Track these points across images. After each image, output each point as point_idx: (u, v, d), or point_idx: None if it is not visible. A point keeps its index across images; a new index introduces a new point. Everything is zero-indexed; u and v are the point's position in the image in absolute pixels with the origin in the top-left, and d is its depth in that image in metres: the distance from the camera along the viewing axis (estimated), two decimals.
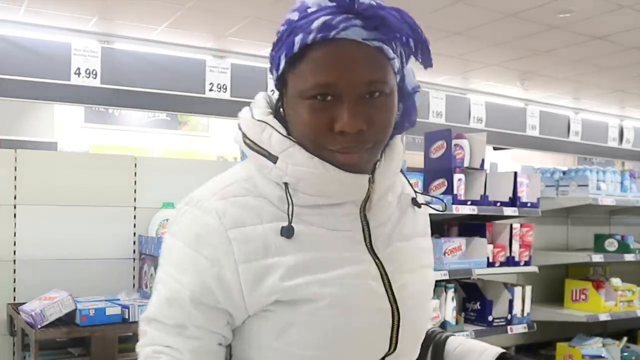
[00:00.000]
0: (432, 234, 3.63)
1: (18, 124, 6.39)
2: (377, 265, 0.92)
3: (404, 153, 1.01)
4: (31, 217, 3.03)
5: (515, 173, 3.27)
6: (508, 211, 3.17)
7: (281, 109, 0.94)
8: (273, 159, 0.88)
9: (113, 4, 4.56)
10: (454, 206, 2.97)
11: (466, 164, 3.17)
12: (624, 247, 3.78)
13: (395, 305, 0.92)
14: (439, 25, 4.97)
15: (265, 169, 0.89)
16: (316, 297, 0.86)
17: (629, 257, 3.75)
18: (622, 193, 3.97)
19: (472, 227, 3.23)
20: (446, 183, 3.09)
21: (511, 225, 3.26)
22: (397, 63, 0.88)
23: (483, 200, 3.11)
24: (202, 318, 0.88)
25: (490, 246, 3.19)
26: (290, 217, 0.87)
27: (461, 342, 1.12)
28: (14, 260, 2.99)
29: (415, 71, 0.97)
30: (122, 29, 5.15)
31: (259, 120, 0.91)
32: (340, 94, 0.84)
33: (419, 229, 1.05)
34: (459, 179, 3.10)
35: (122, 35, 5.22)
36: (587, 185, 3.65)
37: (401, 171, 1.03)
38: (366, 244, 0.93)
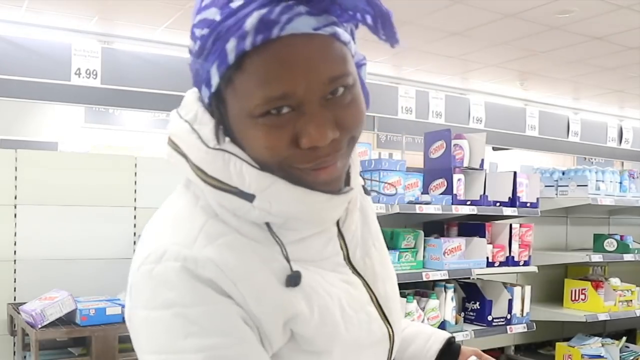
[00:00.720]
0: (432, 234, 3.62)
1: (18, 124, 6.39)
2: (363, 285, 0.83)
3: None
4: (31, 217, 3.03)
5: (515, 173, 3.27)
6: (507, 211, 3.18)
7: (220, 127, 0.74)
8: (248, 197, 0.71)
9: (113, 4, 4.56)
10: (453, 206, 2.97)
11: (466, 164, 3.18)
12: (623, 247, 3.78)
13: (388, 322, 0.85)
14: (439, 25, 4.98)
15: (238, 211, 0.72)
16: (329, 346, 0.76)
17: (628, 257, 3.75)
18: (621, 193, 3.98)
19: (472, 227, 3.23)
20: (446, 183, 3.09)
21: (510, 225, 3.26)
22: (353, 45, 0.73)
23: (482, 200, 3.12)
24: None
25: (490, 246, 3.19)
26: (288, 262, 0.73)
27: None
28: (14, 260, 3.00)
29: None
30: (122, 29, 5.15)
31: (215, 149, 0.72)
32: (299, 103, 0.68)
33: (373, 217, 0.93)
34: (459, 179, 3.10)
35: (122, 35, 5.22)
36: (586, 186, 3.65)
37: None
38: (346, 262, 0.82)
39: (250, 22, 0.64)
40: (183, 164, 0.74)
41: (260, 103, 0.67)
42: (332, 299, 0.77)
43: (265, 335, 0.72)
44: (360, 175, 0.89)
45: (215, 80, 0.69)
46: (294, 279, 0.73)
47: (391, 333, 0.85)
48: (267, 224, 0.73)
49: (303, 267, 0.75)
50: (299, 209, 0.73)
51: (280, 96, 0.67)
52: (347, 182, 0.81)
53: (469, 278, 3.12)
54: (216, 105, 0.72)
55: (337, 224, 0.80)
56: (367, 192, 0.92)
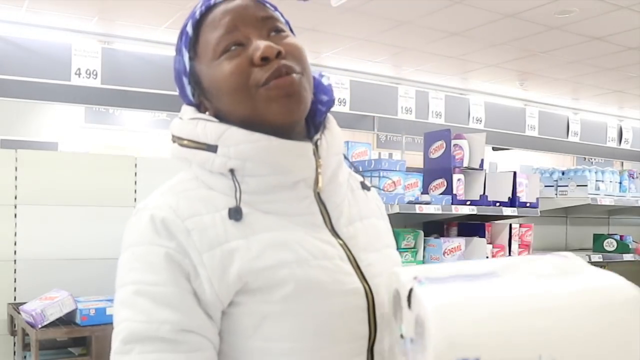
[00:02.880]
0: (432, 234, 3.60)
1: (18, 124, 6.40)
2: (341, 246, 0.88)
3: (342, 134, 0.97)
4: (31, 217, 3.03)
5: (515, 173, 3.28)
6: (507, 211, 3.18)
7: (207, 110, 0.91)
8: (213, 149, 0.84)
9: (113, 4, 4.57)
10: (453, 206, 2.98)
11: (465, 164, 3.18)
12: (622, 247, 3.78)
13: (367, 284, 0.87)
14: (438, 26, 4.98)
15: (207, 164, 0.85)
16: (287, 280, 0.81)
17: (627, 257, 3.76)
18: (620, 193, 3.99)
19: (472, 227, 3.24)
20: (445, 183, 3.10)
21: (510, 225, 3.27)
22: (282, 18, 0.91)
23: (482, 200, 3.12)
24: (193, 320, 0.79)
25: (490, 246, 3.20)
26: (237, 200, 0.83)
27: None
28: (15, 260, 3.00)
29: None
30: (122, 29, 5.16)
31: (190, 119, 0.88)
32: (247, 36, 0.85)
33: (375, 211, 1.01)
34: (458, 179, 3.11)
35: (122, 35, 5.22)
36: (586, 186, 3.66)
37: (345, 158, 0.99)
38: (327, 227, 0.89)
39: (198, 4, 0.88)
40: (176, 145, 0.90)
41: (216, 43, 0.85)
42: (287, 243, 0.83)
43: (210, 279, 0.80)
44: (360, 173, 1.04)
45: (186, 57, 0.89)
46: (233, 213, 0.82)
47: (368, 290, 0.87)
48: (232, 172, 0.84)
49: (264, 214, 0.85)
50: (252, 150, 0.83)
51: (228, 32, 0.85)
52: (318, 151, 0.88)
53: None
54: (195, 82, 0.90)
55: (316, 191, 0.88)
56: (365, 187, 1.02)
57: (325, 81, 0.94)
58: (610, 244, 3.82)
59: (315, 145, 0.88)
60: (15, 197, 3.01)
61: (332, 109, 0.96)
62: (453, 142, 3.15)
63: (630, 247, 3.80)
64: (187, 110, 0.91)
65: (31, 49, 4.89)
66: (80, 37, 5.05)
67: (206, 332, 0.80)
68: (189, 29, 0.88)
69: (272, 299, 0.81)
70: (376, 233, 0.97)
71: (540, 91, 7.41)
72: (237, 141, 0.83)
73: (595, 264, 3.99)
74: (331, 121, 0.94)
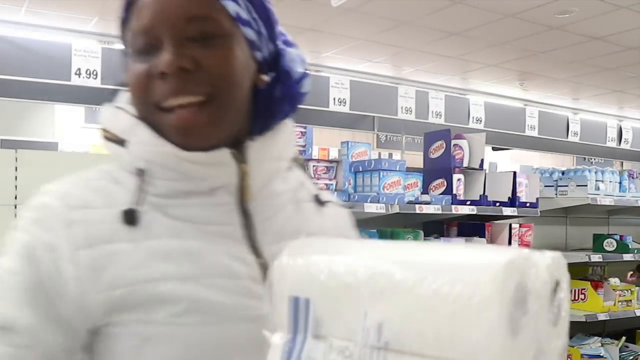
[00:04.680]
0: (432, 234, 3.59)
1: (19, 124, 6.40)
2: (260, 266, 0.76)
3: (294, 141, 0.87)
4: None
5: (515, 173, 3.28)
6: (507, 211, 3.18)
7: None
8: (123, 143, 0.76)
9: (113, 4, 4.55)
10: (453, 206, 2.98)
11: (465, 164, 3.19)
12: (622, 247, 3.79)
13: None
14: (438, 26, 4.99)
15: (119, 158, 0.77)
16: (174, 297, 0.70)
17: (627, 256, 3.76)
18: (620, 193, 3.99)
19: (472, 227, 3.24)
20: (445, 183, 3.10)
21: (510, 225, 3.27)
22: (231, 5, 0.75)
23: (482, 201, 3.12)
24: (34, 318, 0.69)
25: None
26: (135, 202, 0.73)
27: None
28: None
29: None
30: None
31: (115, 107, 0.79)
32: (161, 38, 0.72)
33: (327, 230, 0.87)
34: (458, 179, 3.11)
35: None
36: (585, 186, 3.66)
37: (303, 169, 0.90)
38: (247, 241, 0.77)
39: None
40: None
41: (132, 37, 0.74)
42: (184, 253, 0.72)
43: (79, 279, 0.70)
44: (318, 189, 0.91)
45: (122, 46, 0.79)
46: (127, 215, 0.72)
47: None
48: (141, 171, 0.75)
49: (171, 219, 0.74)
50: (158, 155, 0.74)
51: (142, 29, 0.73)
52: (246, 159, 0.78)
53: None
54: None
55: (240, 200, 0.78)
56: (320, 202, 0.89)
57: (297, 73, 0.81)
58: (610, 244, 3.82)
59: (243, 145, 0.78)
60: (15, 197, 3.01)
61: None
62: (453, 142, 3.16)
63: (630, 247, 3.81)
64: (122, 97, 0.80)
65: (31, 49, 4.89)
66: (80, 37, 5.05)
67: (38, 335, 0.69)
68: (122, 11, 0.78)
69: (153, 319, 0.70)
70: None
71: (540, 91, 7.41)
72: (143, 141, 0.75)
73: (595, 264, 4.00)
74: (282, 125, 0.83)
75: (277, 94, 0.81)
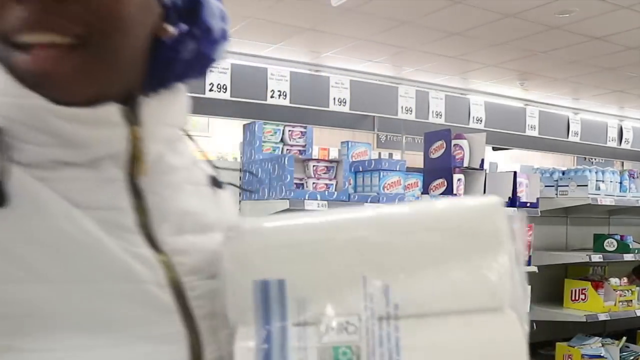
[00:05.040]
0: None
1: None
2: (163, 265, 0.57)
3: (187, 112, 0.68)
4: None
5: (515, 173, 3.28)
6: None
7: None
8: None
9: None
10: None
11: (466, 164, 3.19)
12: (623, 247, 3.78)
13: (192, 327, 0.57)
14: (439, 26, 4.98)
15: None
16: (41, 308, 0.50)
17: (628, 257, 3.75)
18: (621, 193, 3.98)
19: None
20: (446, 183, 3.10)
21: None
22: None
23: None
24: None
25: None
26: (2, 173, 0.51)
27: None
28: None
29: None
30: None
31: None
32: None
33: (226, 218, 0.66)
34: (459, 179, 3.11)
35: None
36: (586, 186, 3.66)
37: (201, 153, 0.72)
38: (142, 230, 0.57)
39: None
40: None
41: None
42: (77, 239, 0.53)
43: None
44: (215, 166, 0.73)
45: None
46: None
47: (194, 339, 0.56)
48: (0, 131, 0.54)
49: (58, 199, 0.54)
50: (18, 109, 0.54)
51: None
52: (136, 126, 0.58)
53: None
54: None
55: (130, 174, 0.59)
56: (218, 184, 0.71)
57: (217, 32, 0.63)
58: (610, 244, 3.81)
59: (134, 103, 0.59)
60: None
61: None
62: (453, 142, 3.15)
63: (630, 247, 3.80)
64: None
65: None
66: None
67: None
68: None
69: (22, 341, 0.50)
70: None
71: (541, 91, 7.41)
72: (0, 91, 0.54)
73: (595, 264, 3.99)
74: (179, 88, 0.65)
75: (184, 53, 0.63)
